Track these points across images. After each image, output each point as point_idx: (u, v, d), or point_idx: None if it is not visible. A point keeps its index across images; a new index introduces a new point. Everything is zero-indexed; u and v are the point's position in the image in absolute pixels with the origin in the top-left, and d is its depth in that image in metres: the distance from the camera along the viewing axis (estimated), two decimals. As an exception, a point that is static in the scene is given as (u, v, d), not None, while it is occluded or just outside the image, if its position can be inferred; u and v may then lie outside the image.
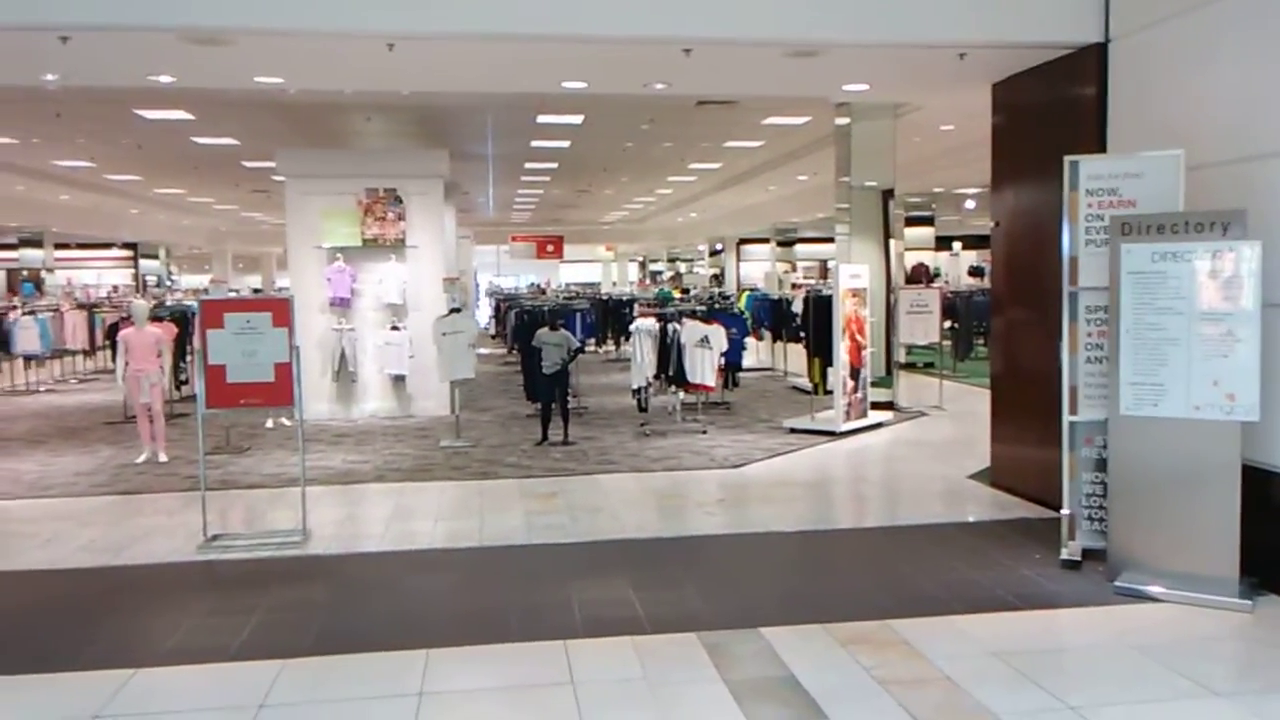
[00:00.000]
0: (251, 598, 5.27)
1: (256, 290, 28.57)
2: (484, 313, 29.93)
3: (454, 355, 10.17)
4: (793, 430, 10.20)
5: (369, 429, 11.17)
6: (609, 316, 17.48)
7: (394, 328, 12.05)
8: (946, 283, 21.79)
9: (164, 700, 4.03)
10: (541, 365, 9.76)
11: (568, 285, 33.51)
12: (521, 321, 13.35)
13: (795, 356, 14.15)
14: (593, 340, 16.58)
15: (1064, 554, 5.70)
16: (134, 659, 4.37)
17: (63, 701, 3.98)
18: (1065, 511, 5.76)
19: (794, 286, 18.88)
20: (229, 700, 3.98)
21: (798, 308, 13.50)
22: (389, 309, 12.15)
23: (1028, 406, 7.23)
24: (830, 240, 13.56)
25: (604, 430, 10.54)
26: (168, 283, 33.10)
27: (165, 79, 7.65)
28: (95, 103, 11.88)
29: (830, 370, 10.44)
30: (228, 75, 7.79)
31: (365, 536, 6.67)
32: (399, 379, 12.13)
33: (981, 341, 17.35)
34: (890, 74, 8.07)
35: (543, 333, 9.92)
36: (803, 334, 11.85)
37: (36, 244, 26.56)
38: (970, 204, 23.00)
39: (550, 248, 35.06)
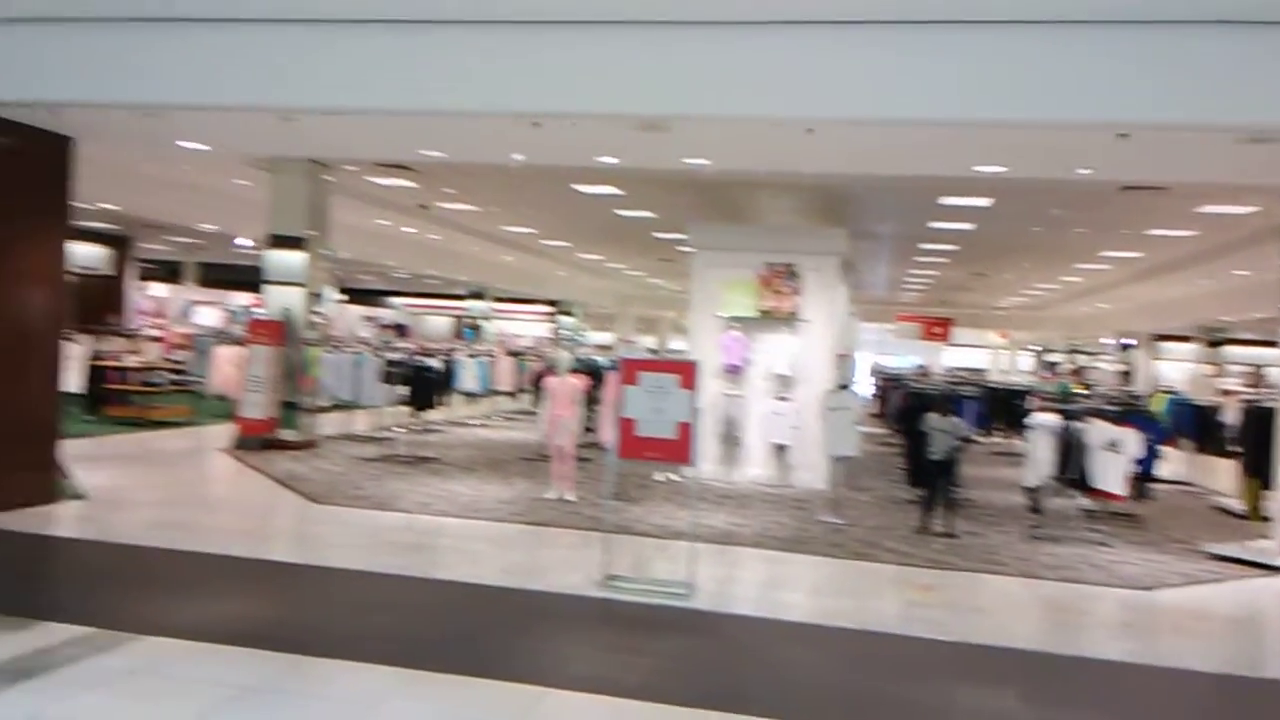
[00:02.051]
0: (644, 640, 5.63)
1: (652, 351, 30.64)
2: (864, 390, 29.67)
3: (839, 431, 10.22)
4: (1217, 557, 8.97)
5: (749, 494, 11.49)
6: (999, 407, 16.57)
7: (781, 398, 12.36)
8: None
9: (563, 720, 4.42)
10: (927, 451, 9.50)
11: (951, 370, 32.24)
12: (908, 403, 13.09)
13: (1222, 473, 12.48)
14: (981, 430, 15.80)
15: None
16: (545, 679, 4.84)
17: (488, 705, 4.51)
18: None
19: (1224, 393, 16.69)
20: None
21: (1229, 418, 11.94)
22: (777, 379, 12.49)
23: None
24: (1272, 344, 11.86)
25: (990, 527, 9.97)
26: (578, 338, 36.56)
27: (609, 160, 8.58)
28: (542, 179, 13.57)
29: (1269, 494, 9.08)
30: (661, 156, 8.58)
31: (744, 599, 6.87)
32: (781, 448, 12.37)
33: None
34: (1380, 161, 7.02)
35: (931, 417, 9.65)
36: (1236, 449, 10.44)
37: (479, 296, 30.74)
38: None
39: (937, 329, 34.05)
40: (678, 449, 6.88)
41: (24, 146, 7.98)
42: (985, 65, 6.20)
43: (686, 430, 6.79)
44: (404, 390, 13.38)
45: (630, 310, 40.66)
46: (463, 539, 8.10)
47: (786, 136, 7.34)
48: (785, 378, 12.45)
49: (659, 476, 11.86)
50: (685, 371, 6.94)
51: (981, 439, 16.85)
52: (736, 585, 7.31)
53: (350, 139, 8.79)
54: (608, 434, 11.77)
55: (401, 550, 7.59)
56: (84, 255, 20.84)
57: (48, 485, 8.36)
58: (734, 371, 12.51)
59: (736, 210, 15.71)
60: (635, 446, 6.92)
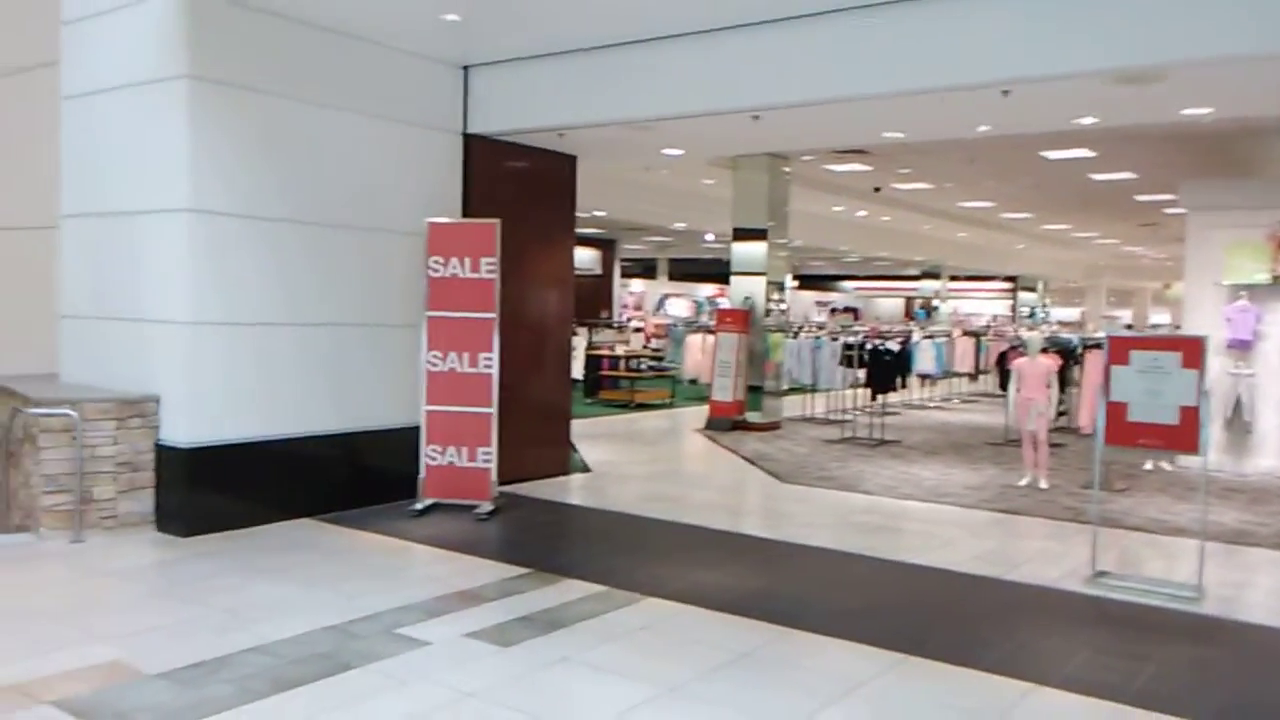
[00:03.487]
0: (1144, 645, 5.14)
1: (1128, 326, 27.69)
2: None
3: (1392, 417, 8.47)
4: None
5: (1264, 487, 9.97)
6: None
7: (1306, 378, 10.56)
8: None
9: (1061, 721, 4.18)
10: None
11: None
12: None
13: None
14: None
15: None
16: (1032, 675, 4.62)
17: (972, 695, 4.41)
18: None
19: None
20: (1128, 743, 3.96)
21: None
22: (1300, 356, 10.68)
23: None
24: None
25: None
26: (1041, 314, 34.14)
27: (1087, 120, 7.90)
28: (1006, 148, 12.86)
29: None
30: (1149, 111, 7.70)
31: (1268, 608, 5.98)
32: (1306, 437, 10.58)
33: None
34: None
35: None
36: None
37: (934, 276, 29.93)
38: None
39: None
40: (1180, 436, 6.17)
41: (539, 167, 9.30)
42: None
43: (1192, 415, 6.07)
44: (861, 373, 13.48)
45: (1102, 282, 37.05)
46: (932, 524, 7.99)
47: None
48: (1311, 353, 10.60)
49: (1149, 465, 10.74)
50: (1189, 349, 6.20)
51: None
52: (1256, 591, 6.39)
53: (813, 129, 8.99)
54: (1087, 418, 10.89)
55: (871, 531, 7.68)
56: (580, 258, 23.74)
57: (562, 459, 9.69)
58: (1242, 347, 10.89)
59: (1241, 162, 13.62)
60: (1127, 433, 6.32)
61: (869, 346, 13.52)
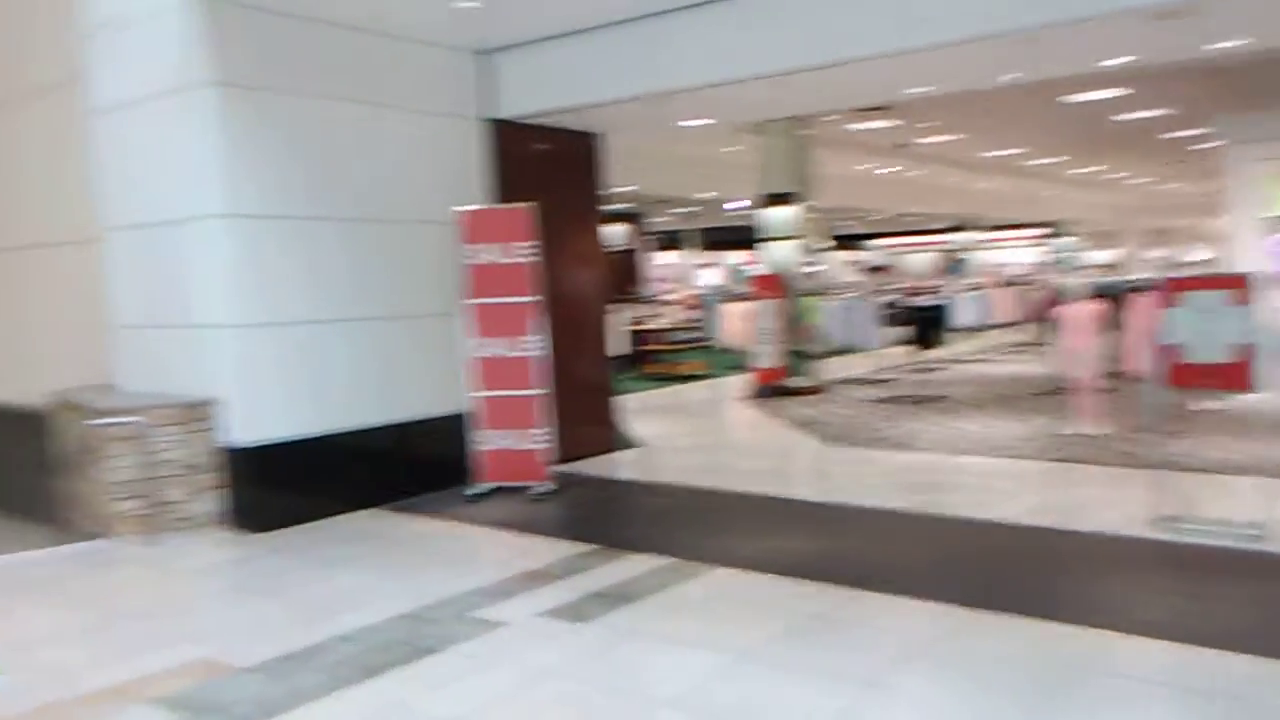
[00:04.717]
0: (1217, 586, 5.14)
1: (1179, 266, 27.28)
2: None
3: None
4: None
5: (1319, 421, 9.86)
6: None
7: (1355, 307, 10.39)
8: None
9: (1142, 668, 4.19)
10: None
11: None
12: None
13: None
14: None
15: None
16: (1108, 623, 4.62)
17: (1052, 647, 4.41)
18: None
19: None
20: (1199, 684, 3.97)
21: None
22: (1350, 284, 10.51)
23: None
24: None
25: None
26: (1078, 260, 33.67)
27: (1118, 60, 7.77)
28: (1026, 95, 12.65)
29: None
30: (1181, 46, 7.57)
31: (1336, 542, 5.94)
32: (1361, 366, 10.42)
33: None
34: None
35: None
36: None
37: (963, 228, 29.65)
38: None
39: None
40: (1236, 375, 6.12)
41: (564, 147, 9.31)
42: None
43: (1249, 353, 6.01)
44: (903, 330, 13.45)
45: (1135, 223, 36.50)
46: (986, 477, 7.98)
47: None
48: (1361, 281, 10.44)
49: (1194, 406, 10.62)
50: (1236, 285, 6.13)
51: None
52: (1324, 526, 6.34)
53: (838, 89, 8.91)
54: (1137, 362, 10.77)
55: (927, 489, 7.69)
56: (609, 233, 23.73)
57: (610, 435, 9.76)
58: (1288, 280, 10.76)
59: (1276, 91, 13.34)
60: (1184, 375, 6.28)
61: (908, 304, 13.46)
